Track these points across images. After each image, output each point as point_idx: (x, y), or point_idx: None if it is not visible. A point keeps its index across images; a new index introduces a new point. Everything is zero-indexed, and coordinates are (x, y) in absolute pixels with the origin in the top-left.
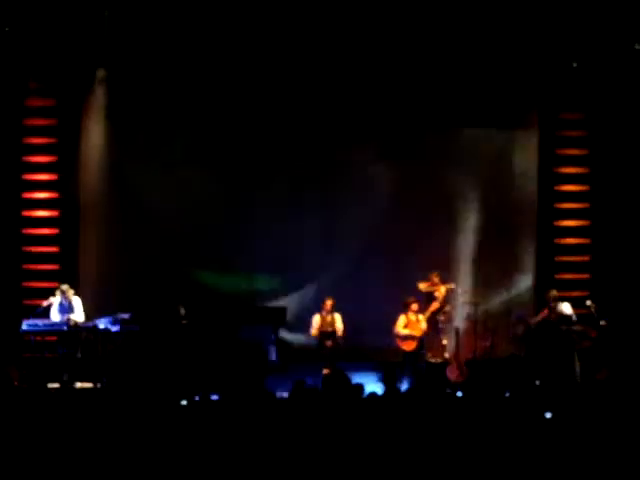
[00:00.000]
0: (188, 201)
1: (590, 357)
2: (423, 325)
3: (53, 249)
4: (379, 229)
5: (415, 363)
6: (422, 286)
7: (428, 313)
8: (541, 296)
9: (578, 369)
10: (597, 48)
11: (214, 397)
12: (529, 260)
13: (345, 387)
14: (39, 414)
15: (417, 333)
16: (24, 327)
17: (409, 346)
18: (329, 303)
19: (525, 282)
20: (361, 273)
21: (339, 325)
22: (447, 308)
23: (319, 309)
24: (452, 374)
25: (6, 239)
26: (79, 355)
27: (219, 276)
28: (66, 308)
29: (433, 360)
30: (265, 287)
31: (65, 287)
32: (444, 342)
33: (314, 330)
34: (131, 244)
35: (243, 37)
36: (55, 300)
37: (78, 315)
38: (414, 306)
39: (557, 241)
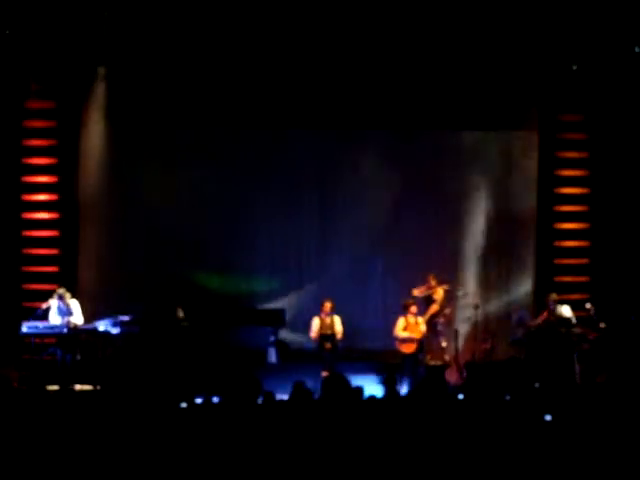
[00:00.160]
0: (188, 202)
1: (590, 360)
2: (422, 327)
3: (53, 251)
4: (379, 231)
5: (414, 365)
6: (416, 292)
7: (427, 315)
8: (541, 299)
9: (578, 371)
10: (597, 50)
11: (214, 399)
12: (529, 263)
13: (344, 390)
14: (38, 416)
15: (416, 335)
16: (24, 329)
17: (408, 348)
18: (328, 305)
19: (525, 285)
20: (361, 275)
21: (338, 328)
22: (447, 311)
23: (318, 311)
24: (452, 377)
25: (6, 241)
26: (79, 357)
27: (218, 277)
28: (64, 311)
29: (433, 363)
30: (264, 288)
31: (62, 291)
32: (444, 344)
33: (314, 333)
34: (131, 246)
35: (243, 35)
36: (53, 303)
37: (77, 318)
38: (413, 308)
39: (557, 244)
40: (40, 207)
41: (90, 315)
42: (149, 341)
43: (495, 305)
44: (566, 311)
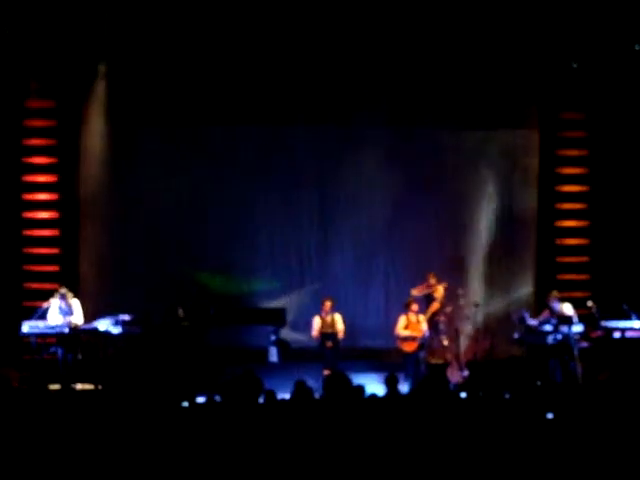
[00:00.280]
0: (188, 201)
1: (591, 358)
2: (423, 326)
3: (53, 250)
4: (380, 230)
5: (416, 364)
6: (415, 291)
7: (428, 314)
8: (542, 297)
9: (579, 370)
10: (597, 49)
11: (216, 399)
12: (530, 260)
13: (346, 388)
14: (39, 416)
15: (417, 334)
16: (25, 329)
17: (410, 347)
18: (328, 304)
19: (526, 283)
20: (362, 274)
21: (340, 326)
22: (448, 309)
23: (319, 310)
24: (453, 375)
25: (6, 240)
26: (80, 357)
27: (219, 277)
28: (65, 311)
29: (434, 361)
30: (265, 288)
31: (64, 290)
32: (445, 343)
33: (315, 332)
34: (131, 245)
35: (243, 33)
36: (54, 302)
37: (77, 317)
38: (414, 307)
39: (558, 241)
40: (40, 206)
41: (91, 314)
42: (150, 341)
43: (496, 303)
44: (567, 309)
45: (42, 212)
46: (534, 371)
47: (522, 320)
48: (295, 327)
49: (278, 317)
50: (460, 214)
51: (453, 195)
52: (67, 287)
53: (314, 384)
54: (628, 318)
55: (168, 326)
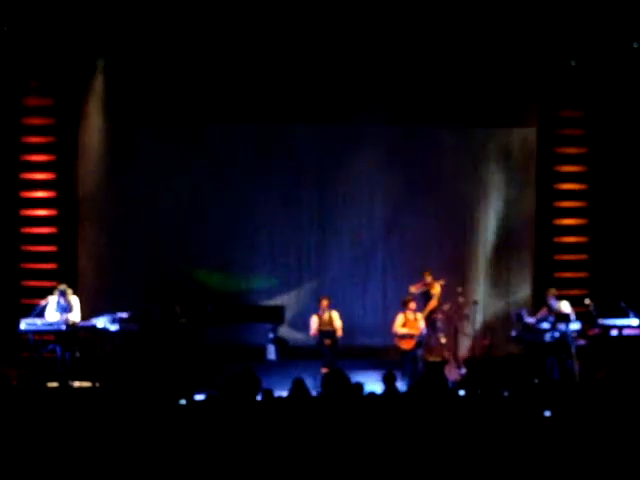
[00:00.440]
0: (188, 200)
1: (589, 356)
2: (421, 324)
3: (51, 248)
4: (378, 229)
5: (413, 362)
6: (413, 288)
7: (426, 312)
8: (540, 295)
9: (577, 368)
10: (596, 47)
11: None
12: (528, 258)
13: (344, 386)
14: (37, 413)
15: (415, 332)
16: (23, 326)
17: (407, 345)
18: (325, 303)
19: (524, 280)
20: (360, 272)
21: (338, 323)
22: (445, 307)
23: (317, 309)
24: (450, 373)
25: (4, 238)
26: (77, 354)
27: (218, 275)
28: (64, 308)
29: (432, 359)
30: (264, 286)
31: (64, 287)
32: (442, 341)
33: (313, 330)
34: (130, 243)
35: (243, 30)
36: (52, 299)
37: (75, 315)
38: (412, 305)
39: (556, 240)
40: (39, 204)
41: (89, 312)
42: (148, 338)
43: (494, 301)
44: (565, 307)
45: (40, 210)
46: (532, 369)
47: (520, 318)
48: (293, 325)
49: (276, 315)
50: (459, 212)
51: (452, 193)
52: (64, 284)
53: (312, 382)
54: (625, 316)
55: (166, 324)
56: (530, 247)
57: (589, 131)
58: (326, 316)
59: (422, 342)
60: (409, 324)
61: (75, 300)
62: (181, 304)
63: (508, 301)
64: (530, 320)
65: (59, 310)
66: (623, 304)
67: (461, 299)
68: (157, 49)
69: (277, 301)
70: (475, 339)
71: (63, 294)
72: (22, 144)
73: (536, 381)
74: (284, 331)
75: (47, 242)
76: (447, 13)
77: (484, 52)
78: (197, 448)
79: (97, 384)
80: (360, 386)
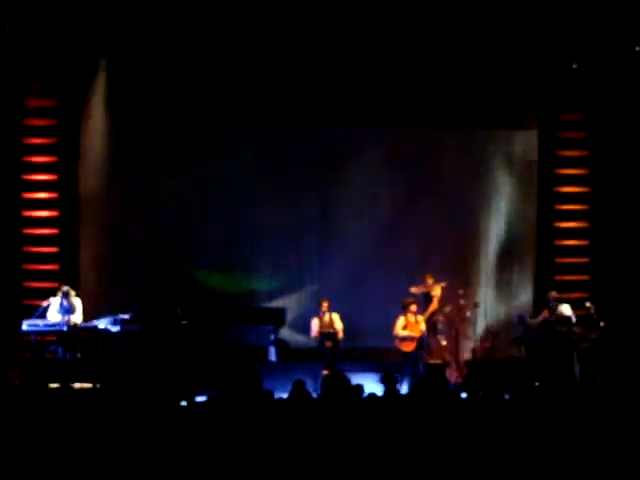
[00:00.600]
0: (188, 201)
1: (590, 359)
2: (422, 326)
3: (53, 249)
4: (379, 230)
5: (414, 364)
6: (414, 289)
7: (427, 314)
8: (541, 297)
9: (578, 371)
10: (597, 49)
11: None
12: (529, 261)
13: (344, 388)
14: (38, 414)
15: (416, 334)
16: (24, 327)
17: (408, 347)
18: (325, 304)
19: (525, 283)
20: (361, 274)
21: (338, 325)
22: (446, 309)
23: (318, 311)
24: (452, 375)
25: (6, 239)
26: (79, 355)
27: (219, 276)
28: (66, 309)
29: (432, 361)
30: (265, 288)
31: (67, 288)
32: (443, 343)
33: (314, 332)
34: (131, 244)
35: (244, 30)
36: (55, 300)
37: (77, 316)
38: (413, 307)
39: (557, 242)
40: (40, 205)
41: (90, 313)
42: (149, 339)
43: (495, 304)
44: (566, 310)
45: (42, 211)
46: (533, 371)
47: (521, 320)
48: (294, 327)
49: (277, 317)
50: (460, 215)
51: (453, 196)
52: (67, 285)
53: (313, 384)
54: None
55: (167, 325)
56: (531, 250)
57: (590, 134)
58: (327, 318)
59: (423, 344)
60: (410, 326)
61: (78, 302)
62: (182, 305)
63: (509, 303)
64: (531, 323)
65: (61, 312)
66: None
67: (462, 301)
68: (158, 50)
69: (278, 303)
70: (476, 341)
71: (66, 296)
72: (24, 145)
73: (537, 384)
74: (285, 333)
75: (49, 243)
76: (448, 15)
77: (485, 54)
78: (198, 449)
79: (98, 385)
80: (360, 388)
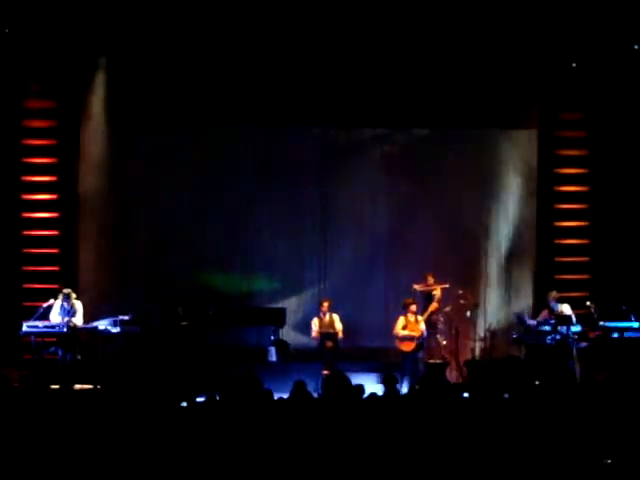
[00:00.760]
0: (188, 201)
1: (590, 358)
2: (422, 326)
3: (53, 251)
4: (379, 230)
5: (414, 364)
6: (418, 287)
7: (427, 314)
8: (541, 297)
9: (578, 370)
10: (597, 48)
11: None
12: (529, 261)
13: (345, 388)
14: (39, 415)
15: (416, 334)
16: (24, 329)
17: (408, 347)
18: (326, 304)
19: (525, 282)
20: (361, 274)
21: (339, 326)
22: (446, 309)
23: (318, 311)
24: (451, 375)
25: (6, 241)
26: (79, 357)
27: (219, 277)
28: (67, 311)
29: (432, 361)
30: (265, 288)
31: (68, 291)
32: (443, 343)
33: (314, 332)
34: (131, 245)
35: (244, 30)
36: (56, 303)
37: (78, 319)
38: (413, 307)
39: (557, 241)
40: (40, 206)
41: (90, 314)
42: (149, 340)
43: (495, 304)
44: (566, 309)
45: (42, 212)
46: (533, 371)
47: (521, 320)
48: (294, 327)
49: (278, 317)
50: (459, 215)
51: (452, 196)
52: (68, 288)
53: (313, 384)
54: (627, 319)
55: (167, 326)
56: (531, 249)
57: (590, 133)
58: (327, 318)
59: (423, 344)
60: (410, 326)
61: (79, 305)
62: (183, 306)
63: (509, 303)
64: (531, 322)
65: (62, 314)
66: (624, 307)
67: (462, 301)
68: (158, 51)
69: (278, 303)
70: (476, 341)
71: (67, 298)
72: (24, 147)
73: (537, 383)
74: (285, 333)
75: (49, 245)
76: (448, 15)
77: (485, 54)
78: (199, 450)
79: (98, 386)
80: (361, 388)
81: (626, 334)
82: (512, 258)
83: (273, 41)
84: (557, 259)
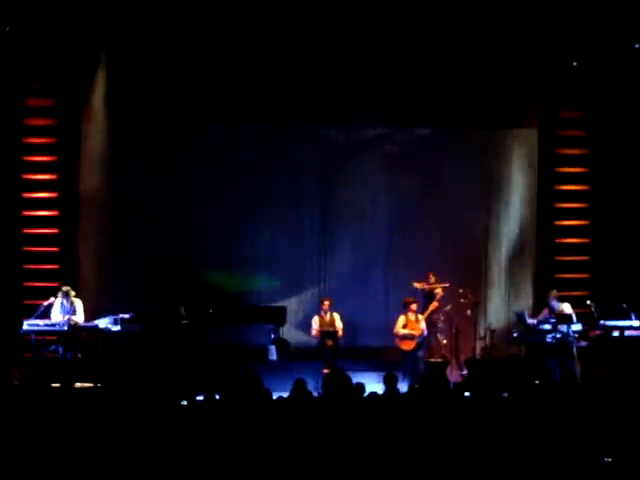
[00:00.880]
0: (188, 200)
1: (590, 357)
2: (422, 325)
3: (53, 249)
4: (380, 229)
5: (414, 363)
6: (417, 285)
7: (427, 313)
8: (541, 296)
9: (578, 369)
10: (597, 47)
11: (215, 396)
12: (529, 260)
13: (345, 387)
14: (39, 413)
15: (416, 333)
16: (25, 327)
17: (408, 346)
18: (326, 303)
19: (525, 281)
20: (362, 273)
21: (339, 324)
22: (447, 308)
23: (318, 310)
24: (452, 374)
25: (6, 239)
26: (79, 355)
27: (220, 276)
28: (67, 309)
29: (433, 360)
30: (265, 287)
31: (67, 289)
32: (444, 342)
33: (315, 331)
34: (131, 243)
35: (244, 29)
36: (56, 301)
37: (79, 317)
38: (413, 306)
39: (557, 241)
40: (40, 205)
41: (91, 312)
42: (150, 339)
43: (496, 302)
44: (567, 308)
45: (42, 210)
46: (533, 370)
47: (521, 319)
48: (295, 326)
49: (278, 316)
50: (459, 214)
51: (452, 195)
52: (67, 286)
53: (313, 383)
54: (627, 317)
55: (168, 324)
56: (531, 248)
57: (590, 132)
58: (327, 317)
59: (423, 343)
60: (410, 325)
61: (78, 303)
62: (184, 305)
63: (509, 302)
64: (531, 321)
65: (63, 312)
66: (625, 306)
67: (462, 300)
68: (158, 49)
69: (278, 303)
70: (476, 340)
71: (66, 295)
72: (24, 145)
73: (537, 382)
74: (286, 332)
75: (49, 243)
76: (448, 13)
77: (485, 52)
78: (199, 448)
79: (99, 385)
80: (361, 387)
81: (626, 333)
82: (512, 257)
83: (274, 40)
84: (557, 258)
